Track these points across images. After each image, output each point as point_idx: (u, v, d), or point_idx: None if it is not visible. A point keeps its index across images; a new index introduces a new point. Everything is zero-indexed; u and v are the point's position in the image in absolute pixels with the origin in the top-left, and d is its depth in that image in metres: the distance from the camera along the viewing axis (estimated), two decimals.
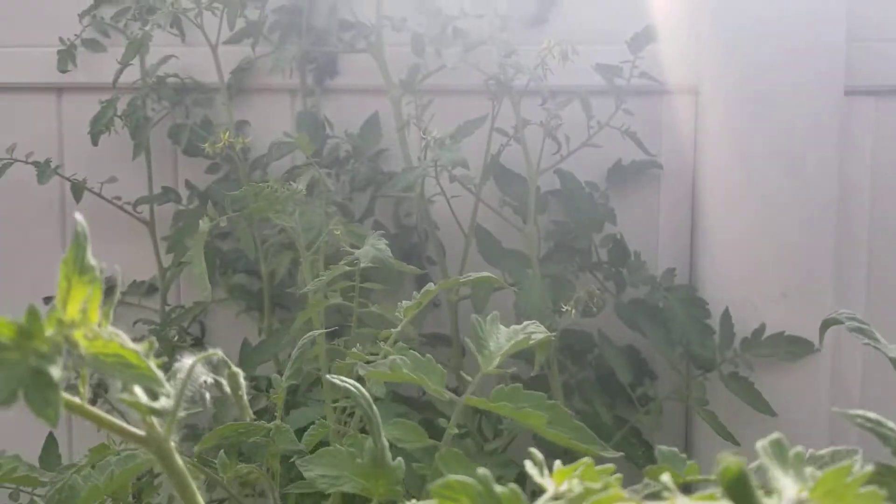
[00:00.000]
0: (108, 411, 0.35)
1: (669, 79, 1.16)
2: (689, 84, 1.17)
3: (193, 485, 0.34)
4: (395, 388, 1.02)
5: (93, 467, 0.61)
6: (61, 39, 1.29)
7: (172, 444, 0.32)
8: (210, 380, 0.36)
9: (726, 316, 1.09)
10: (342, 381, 0.48)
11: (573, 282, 1.14)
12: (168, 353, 1.24)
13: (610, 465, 0.36)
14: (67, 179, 1.27)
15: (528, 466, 0.32)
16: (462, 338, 1.16)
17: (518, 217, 1.17)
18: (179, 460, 0.33)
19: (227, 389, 0.40)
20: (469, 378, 0.54)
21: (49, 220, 1.39)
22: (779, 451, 0.31)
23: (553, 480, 0.33)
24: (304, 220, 0.94)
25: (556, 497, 0.32)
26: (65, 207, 1.38)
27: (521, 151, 1.12)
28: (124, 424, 0.33)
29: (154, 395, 0.30)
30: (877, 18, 1.11)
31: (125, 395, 0.29)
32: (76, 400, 0.31)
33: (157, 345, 0.30)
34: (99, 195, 1.28)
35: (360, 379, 0.56)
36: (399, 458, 0.46)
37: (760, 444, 0.31)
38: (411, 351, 0.52)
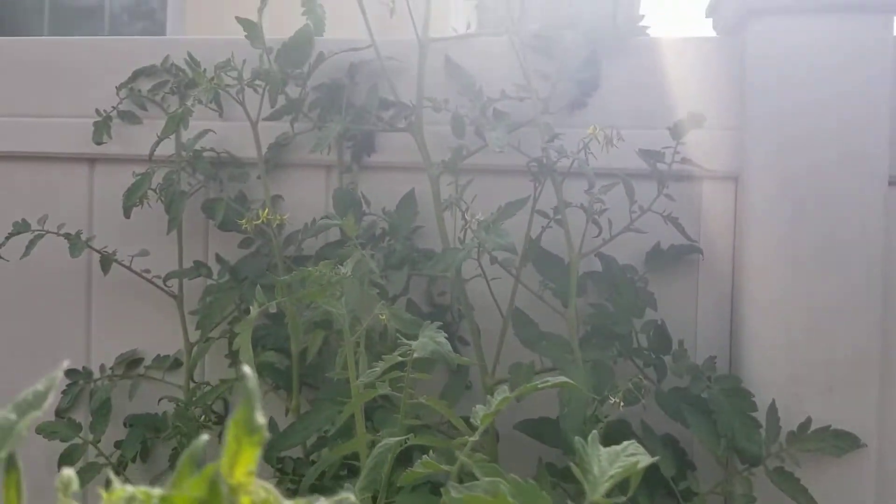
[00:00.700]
0: None
1: (709, 164, 1.15)
2: (730, 170, 1.17)
3: None
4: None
5: None
6: (98, 111, 1.29)
7: None
8: None
9: (773, 409, 1.06)
10: None
11: (612, 368, 1.12)
12: (193, 432, 1.21)
13: None
14: (97, 251, 1.25)
15: None
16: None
17: (556, 300, 1.15)
18: None
19: None
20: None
21: (75, 290, 1.37)
22: None
23: None
24: (348, 303, 0.92)
25: None
26: (91, 277, 1.36)
27: (560, 233, 1.12)
28: None
29: None
30: None
31: None
32: None
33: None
34: (128, 268, 1.26)
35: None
36: None
37: None
38: (512, 475, 0.49)
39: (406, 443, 0.83)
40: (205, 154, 1.26)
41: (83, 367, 1.34)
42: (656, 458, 0.49)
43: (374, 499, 0.74)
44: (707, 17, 1.29)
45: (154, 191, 1.23)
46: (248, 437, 0.27)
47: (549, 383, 0.62)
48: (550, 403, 1.10)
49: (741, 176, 1.16)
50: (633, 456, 0.49)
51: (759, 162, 1.12)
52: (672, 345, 1.14)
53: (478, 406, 0.63)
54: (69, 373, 1.33)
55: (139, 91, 1.30)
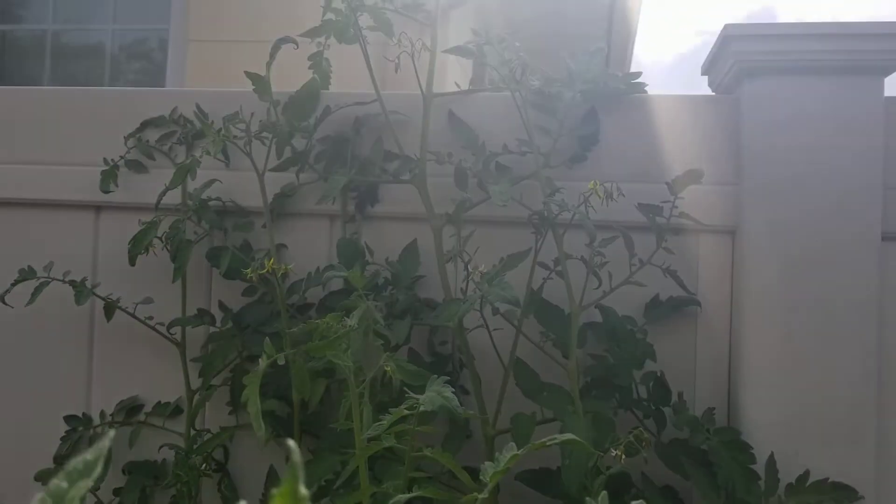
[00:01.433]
0: None
1: (707, 218, 1.18)
2: (726, 224, 1.20)
3: None
4: None
5: None
6: (105, 160, 1.31)
7: None
8: None
9: (771, 462, 1.07)
10: None
11: (613, 420, 1.13)
12: (193, 480, 1.21)
13: None
14: (102, 299, 1.26)
15: None
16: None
17: (557, 350, 1.16)
18: None
19: None
20: None
21: (78, 336, 1.37)
22: None
23: None
24: (353, 354, 0.93)
25: None
26: (94, 323, 1.37)
27: (561, 285, 1.13)
28: None
29: None
30: None
31: None
32: None
33: None
34: (132, 315, 1.27)
35: None
36: None
37: None
38: None
39: (411, 497, 0.84)
40: (210, 203, 1.27)
41: (83, 414, 1.34)
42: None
43: None
44: (703, 74, 1.33)
45: (160, 239, 1.25)
46: None
47: (556, 440, 0.63)
48: (551, 453, 1.11)
49: (738, 230, 1.19)
50: None
51: (754, 216, 1.15)
52: (672, 396, 1.15)
53: (487, 463, 0.64)
54: (68, 419, 1.33)
55: (147, 141, 1.32)
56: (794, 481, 1.08)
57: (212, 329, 1.28)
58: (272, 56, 1.18)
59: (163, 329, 1.28)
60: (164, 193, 1.24)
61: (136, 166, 1.33)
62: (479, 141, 1.24)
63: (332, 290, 1.27)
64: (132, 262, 1.24)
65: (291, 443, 0.29)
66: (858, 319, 1.11)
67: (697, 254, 1.23)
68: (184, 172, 1.18)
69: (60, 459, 1.33)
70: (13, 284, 1.23)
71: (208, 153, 1.19)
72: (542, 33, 4.00)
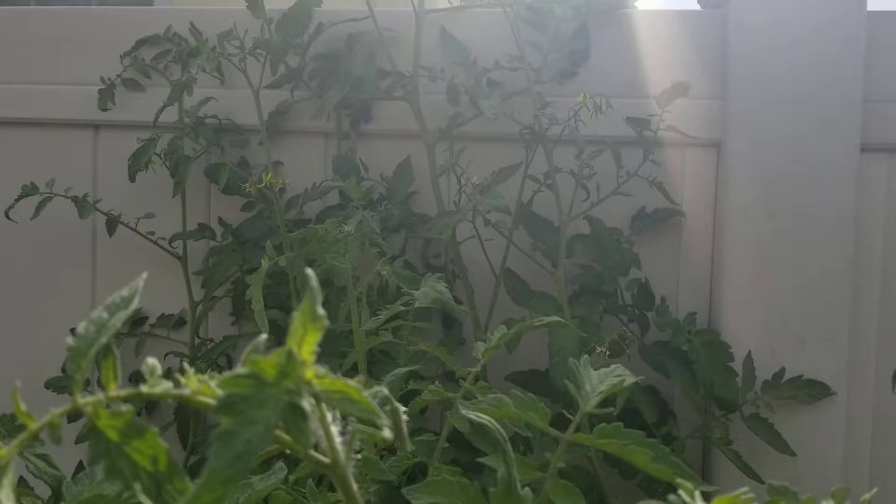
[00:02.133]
0: None
1: (693, 132, 1.21)
2: (712, 138, 1.23)
3: None
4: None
5: None
6: (102, 79, 1.33)
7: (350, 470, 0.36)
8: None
9: (748, 360, 1.13)
10: (478, 416, 0.52)
11: (598, 324, 1.18)
12: None
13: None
14: (103, 213, 1.30)
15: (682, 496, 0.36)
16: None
17: (546, 260, 1.21)
18: (354, 485, 0.36)
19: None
20: (570, 416, 0.57)
21: (80, 252, 1.41)
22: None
23: None
24: (351, 260, 0.97)
25: None
26: (96, 240, 1.41)
27: (550, 198, 1.17)
28: (314, 453, 0.36)
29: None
30: (890, 81, 1.18)
31: (359, 426, 0.33)
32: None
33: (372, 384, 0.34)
34: (134, 230, 1.30)
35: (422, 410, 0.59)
36: (527, 488, 0.49)
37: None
38: (513, 391, 0.55)
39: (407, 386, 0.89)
40: (207, 121, 1.30)
41: None
42: (640, 377, 0.56)
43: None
44: None
45: (159, 156, 1.27)
46: (312, 323, 0.33)
47: (543, 322, 0.68)
48: (541, 357, 1.17)
49: (723, 143, 1.22)
50: (619, 376, 0.55)
51: (739, 129, 1.18)
52: (655, 301, 1.20)
53: (478, 342, 0.69)
54: (75, 331, 1.37)
55: (142, 60, 1.34)
56: (769, 378, 1.14)
57: (212, 243, 1.32)
58: None
59: (164, 243, 1.32)
60: (161, 110, 1.26)
61: (133, 85, 1.34)
62: (470, 57, 1.26)
63: (328, 205, 1.31)
64: (132, 178, 1.27)
65: (309, 271, 0.33)
66: (837, 227, 1.16)
67: (683, 166, 1.27)
68: (181, 88, 1.21)
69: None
70: (17, 199, 1.26)
71: (204, 70, 1.21)
72: None
